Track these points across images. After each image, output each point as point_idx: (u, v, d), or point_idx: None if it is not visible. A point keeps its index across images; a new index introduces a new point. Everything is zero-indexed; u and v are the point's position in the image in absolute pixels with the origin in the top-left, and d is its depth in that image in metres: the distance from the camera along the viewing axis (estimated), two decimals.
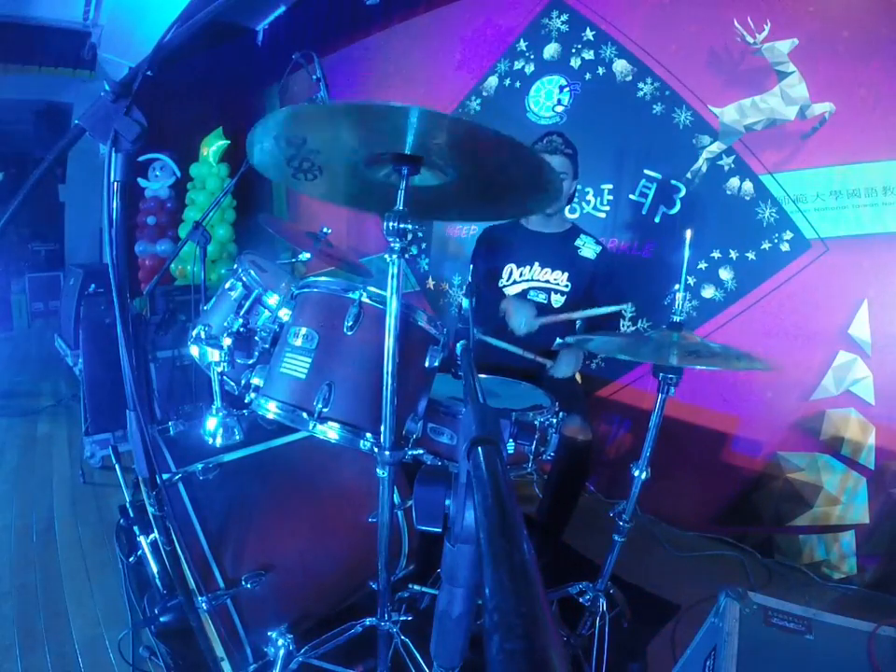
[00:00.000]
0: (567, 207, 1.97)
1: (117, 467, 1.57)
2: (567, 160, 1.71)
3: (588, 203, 2.45)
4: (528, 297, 1.82)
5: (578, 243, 1.80)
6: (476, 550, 0.46)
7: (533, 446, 1.21)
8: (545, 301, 1.80)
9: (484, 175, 0.95)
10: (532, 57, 2.63)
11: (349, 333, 0.98)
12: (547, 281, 1.80)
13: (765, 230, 1.96)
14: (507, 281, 1.87)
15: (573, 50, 2.46)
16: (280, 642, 1.16)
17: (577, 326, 1.88)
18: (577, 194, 1.87)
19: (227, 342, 1.17)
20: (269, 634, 1.17)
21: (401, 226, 0.87)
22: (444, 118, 0.77)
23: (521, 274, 1.85)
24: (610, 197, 2.39)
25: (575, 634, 1.40)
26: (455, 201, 1.08)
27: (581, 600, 1.40)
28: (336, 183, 1.09)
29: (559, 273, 1.78)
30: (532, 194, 1.02)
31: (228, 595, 1.12)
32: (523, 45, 2.67)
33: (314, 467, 1.42)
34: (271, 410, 1.00)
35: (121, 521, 1.83)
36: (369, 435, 0.97)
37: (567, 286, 1.78)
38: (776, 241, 1.94)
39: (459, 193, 1.03)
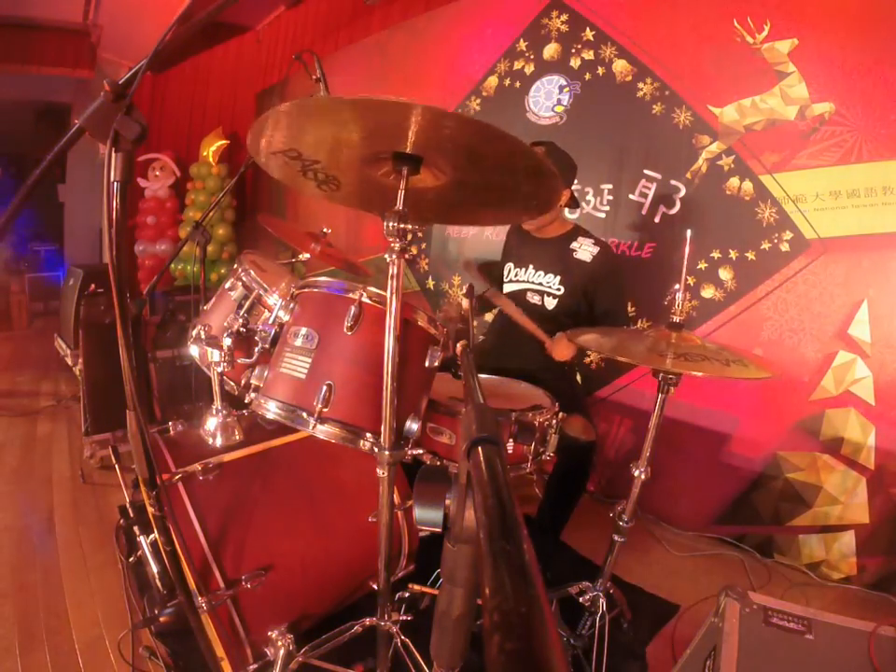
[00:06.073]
0: (566, 210, 1.97)
1: (117, 467, 1.57)
2: None
3: (588, 203, 2.44)
4: (526, 298, 1.84)
5: (574, 245, 1.79)
6: (476, 550, 0.46)
7: (533, 446, 1.22)
8: (539, 303, 1.82)
9: (483, 174, 0.95)
10: (532, 57, 2.63)
11: (349, 333, 0.98)
12: (540, 283, 1.81)
13: (765, 230, 1.96)
14: (505, 278, 1.91)
15: (573, 50, 2.46)
16: (280, 642, 1.15)
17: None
18: (576, 195, 1.86)
19: (227, 342, 1.17)
20: (269, 634, 1.17)
21: (401, 226, 0.87)
22: (445, 115, 0.77)
23: (516, 275, 1.88)
24: (610, 197, 2.39)
25: (575, 634, 1.40)
26: (454, 203, 1.09)
27: (580, 600, 1.40)
28: (359, 189, 1.09)
29: (552, 276, 1.80)
30: (530, 194, 1.02)
31: (228, 595, 1.12)
32: (523, 45, 2.67)
33: (314, 467, 1.42)
34: (271, 410, 1.00)
35: (121, 521, 1.83)
36: (369, 435, 0.97)
37: (559, 288, 1.79)
38: (775, 241, 1.94)
39: (458, 194, 1.03)
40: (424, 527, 0.53)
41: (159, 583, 1.28)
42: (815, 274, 1.87)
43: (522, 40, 2.67)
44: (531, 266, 1.84)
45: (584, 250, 1.78)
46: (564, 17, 2.49)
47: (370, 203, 1.19)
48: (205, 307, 1.50)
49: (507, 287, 1.91)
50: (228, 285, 1.38)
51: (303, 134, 0.88)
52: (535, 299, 1.83)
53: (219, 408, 1.33)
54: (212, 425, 1.34)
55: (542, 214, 1.64)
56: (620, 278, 1.85)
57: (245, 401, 1.10)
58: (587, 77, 2.42)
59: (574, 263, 1.77)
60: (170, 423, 1.40)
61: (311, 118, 0.85)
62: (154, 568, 1.27)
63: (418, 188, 0.98)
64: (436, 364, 1.05)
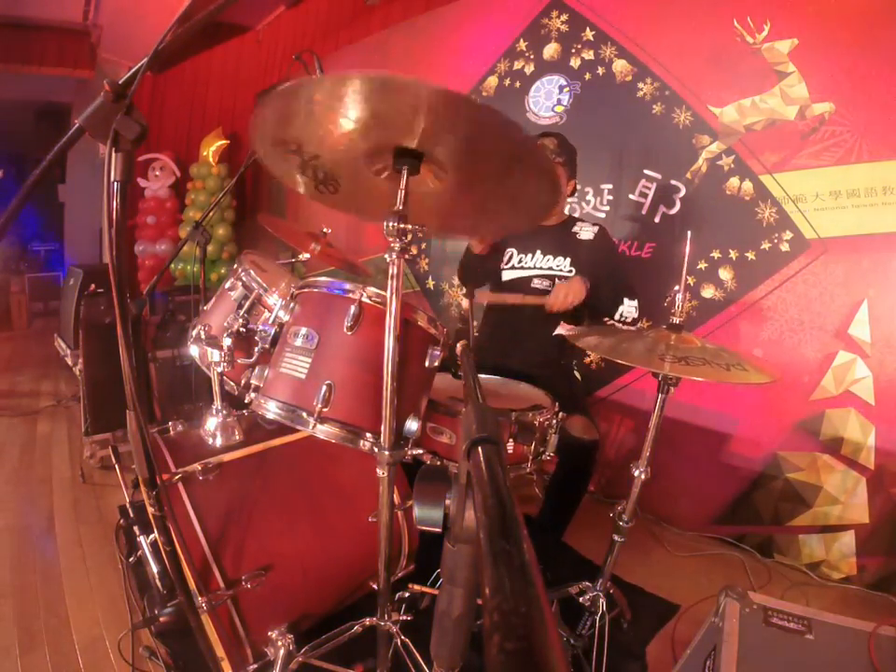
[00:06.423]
0: (567, 207, 1.98)
1: (117, 467, 1.57)
2: (558, 167, 1.73)
3: (588, 202, 2.44)
4: (532, 285, 1.83)
5: (575, 229, 1.84)
6: (476, 550, 0.46)
7: (533, 446, 1.22)
8: (549, 289, 1.81)
9: (486, 173, 0.95)
10: (532, 57, 2.63)
11: (349, 333, 0.98)
12: (550, 268, 1.82)
13: (765, 230, 1.96)
14: (506, 264, 1.89)
15: (573, 50, 2.46)
16: (280, 642, 1.15)
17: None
18: (577, 194, 1.88)
19: (227, 342, 1.17)
20: (269, 634, 1.17)
21: (401, 226, 0.87)
22: (459, 98, 0.74)
23: (520, 261, 1.87)
24: (610, 197, 2.39)
25: (575, 634, 1.40)
26: (454, 210, 1.09)
27: (580, 600, 1.40)
28: (356, 193, 1.09)
29: (561, 258, 1.81)
30: (533, 194, 1.02)
31: (228, 595, 1.12)
32: (522, 45, 2.67)
33: (314, 467, 1.42)
34: (271, 410, 1.00)
35: (121, 521, 1.83)
36: (369, 435, 0.97)
37: (570, 270, 1.80)
38: (775, 241, 1.94)
39: (459, 200, 1.03)
40: (424, 527, 0.53)
41: (159, 583, 1.28)
42: (815, 274, 1.87)
43: (522, 40, 2.67)
44: (538, 251, 1.84)
45: (586, 231, 1.83)
46: (564, 17, 2.49)
47: (368, 208, 1.16)
48: (205, 307, 1.50)
49: (508, 274, 1.88)
50: (228, 285, 1.38)
51: (306, 123, 0.89)
52: (544, 284, 1.82)
53: (219, 408, 1.33)
54: (212, 425, 1.34)
55: (544, 215, 1.66)
56: (618, 260, 1.90)
57: (245, 401, 1.10)
58: (587, 77, 2.42)
59: (580, 244, 1.81)
60: (170, 423, 1.40)
61: (317, 101, 0.83)
62: (154, 568, 1.27)
63: (418, 192, 0.98)
64: (436, 364, 1.05)
